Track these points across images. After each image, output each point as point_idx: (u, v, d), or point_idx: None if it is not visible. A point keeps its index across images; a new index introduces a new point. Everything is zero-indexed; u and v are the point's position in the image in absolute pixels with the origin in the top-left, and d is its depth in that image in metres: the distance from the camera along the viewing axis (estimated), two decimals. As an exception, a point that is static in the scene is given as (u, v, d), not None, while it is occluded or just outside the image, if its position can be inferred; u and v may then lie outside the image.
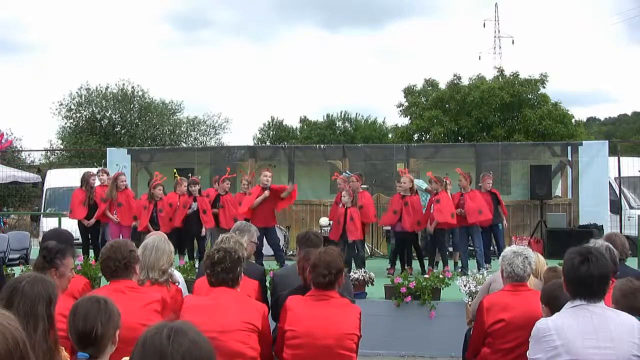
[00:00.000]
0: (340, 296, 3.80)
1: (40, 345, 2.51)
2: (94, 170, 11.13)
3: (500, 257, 4.25)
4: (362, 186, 10.23)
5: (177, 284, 4.30)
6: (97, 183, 10.35)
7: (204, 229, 9.88)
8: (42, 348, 2.51)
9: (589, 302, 2.97)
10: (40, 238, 11.42)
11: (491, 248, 10.46)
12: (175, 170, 10.98)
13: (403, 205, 9.40)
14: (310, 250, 4.28)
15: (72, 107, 31.14)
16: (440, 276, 7.39)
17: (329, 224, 11.53)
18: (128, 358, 1.92)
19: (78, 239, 10.05)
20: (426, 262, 9.79)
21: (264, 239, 9.70)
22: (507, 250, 4.23)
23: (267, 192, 9.42)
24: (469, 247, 10.13)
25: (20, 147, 26.81)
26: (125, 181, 10.37)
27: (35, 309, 2.56)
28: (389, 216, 9.74)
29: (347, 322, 3.69)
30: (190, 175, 10.80)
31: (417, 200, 9.56)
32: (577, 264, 2.97)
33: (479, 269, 8.55)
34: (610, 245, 4.23)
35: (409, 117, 30.30)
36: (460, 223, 9.59)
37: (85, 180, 10.23)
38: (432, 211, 9.40)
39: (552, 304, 3.46)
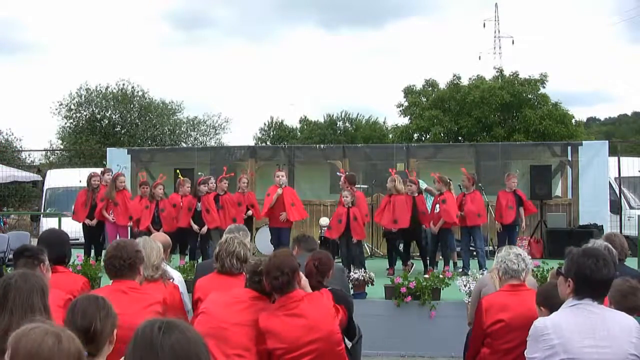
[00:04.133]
0: (301, 290, 3.70)
1: None
2: (99, 170, 11.25)
3: (494, 260, 4.29)
4: (362, 186, 10.23)
5: (171, 279, 4.31)
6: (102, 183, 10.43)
7: (204, 228, 9.80)
8: None
9: (594, 301, 2.98)
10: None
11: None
12: (178, 172, 10.93)
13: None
14: (317, 252, 4.34)
15: (72, 107, 31.06)
16: (440, 276, 7.40)
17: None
18: None
19: (77, 239, 10.12)
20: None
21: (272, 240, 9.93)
22: (500, 252, 4.36)
23: (280, 190, 9.62)
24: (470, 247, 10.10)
25: (20, 147, 26.79)
26: (124, 182, 10.43)
27: (32, 300, 2.62)
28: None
29: (327, 319, 3.61)
30: (201, 174, 10.82)
31: (400, 199, 9.41)
32: (601, 266, 2.96)
33: (480, 269, 8.54)
34: (610, 246, 4.23)
35: (409, 117, 30.26)
36: (462, 223, 9.59)
37: (87, 181, 10.42)
38: (437, 211, 9.39)
39: (549, 305, 3.45)
